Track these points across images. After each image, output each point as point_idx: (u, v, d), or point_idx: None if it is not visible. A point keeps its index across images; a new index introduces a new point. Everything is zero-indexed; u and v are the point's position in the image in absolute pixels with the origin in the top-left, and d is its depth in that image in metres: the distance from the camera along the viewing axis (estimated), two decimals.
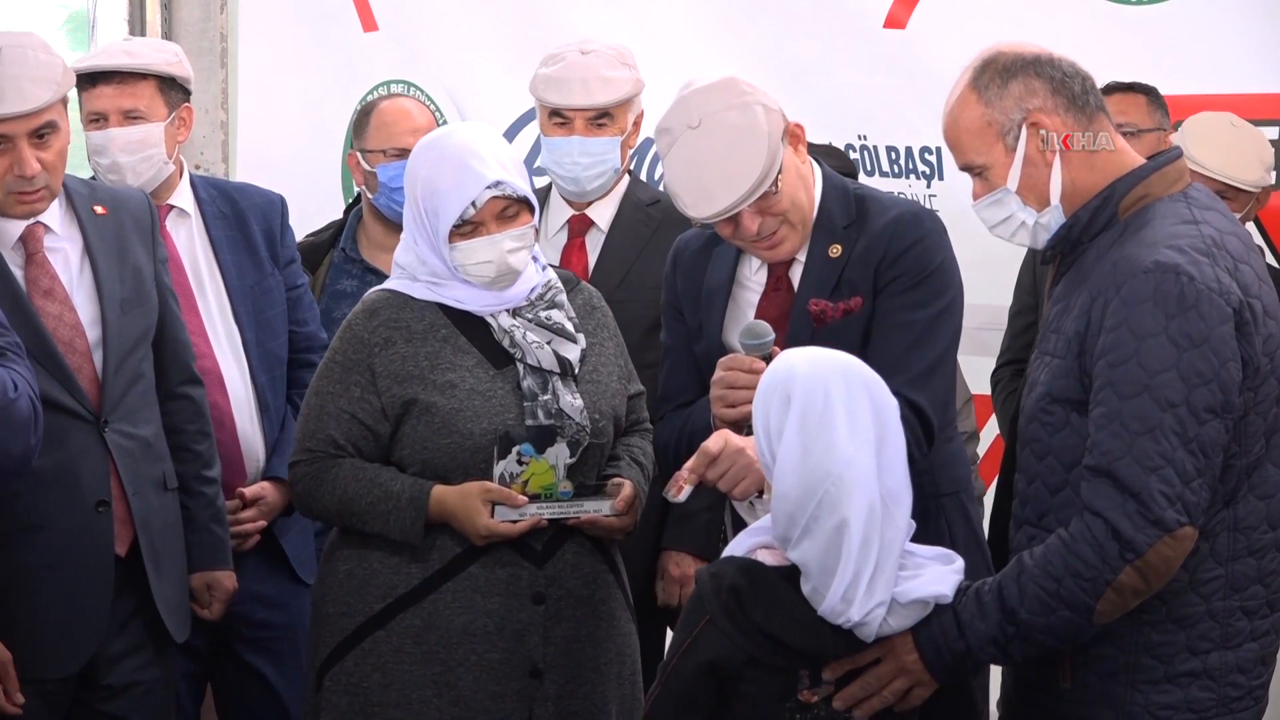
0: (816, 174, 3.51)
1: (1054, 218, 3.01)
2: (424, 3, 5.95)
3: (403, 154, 4.47)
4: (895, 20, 4.99)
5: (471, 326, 3.51)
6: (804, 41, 5.14)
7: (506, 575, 3.46)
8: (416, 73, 5.93)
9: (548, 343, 3.51)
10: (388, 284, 3.58)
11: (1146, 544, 2.78)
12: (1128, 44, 4.69)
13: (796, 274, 3.50)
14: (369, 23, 6.03)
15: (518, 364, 3.49)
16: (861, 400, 2.95)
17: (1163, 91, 4.56)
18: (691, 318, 3.63)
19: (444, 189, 3.44)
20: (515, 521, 3.42)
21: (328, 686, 3.50)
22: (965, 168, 3.06)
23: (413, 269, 3.54)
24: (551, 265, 3.67)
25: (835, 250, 3.45)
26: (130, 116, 4.17)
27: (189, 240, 4.24)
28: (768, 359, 3.24)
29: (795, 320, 3.44)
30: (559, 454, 3.44)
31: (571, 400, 3.49)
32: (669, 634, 3.44)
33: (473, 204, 3.43)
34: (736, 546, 3.04)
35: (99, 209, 3.78)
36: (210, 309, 4.20)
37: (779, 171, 3.38)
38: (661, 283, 3.79)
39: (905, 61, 4.93)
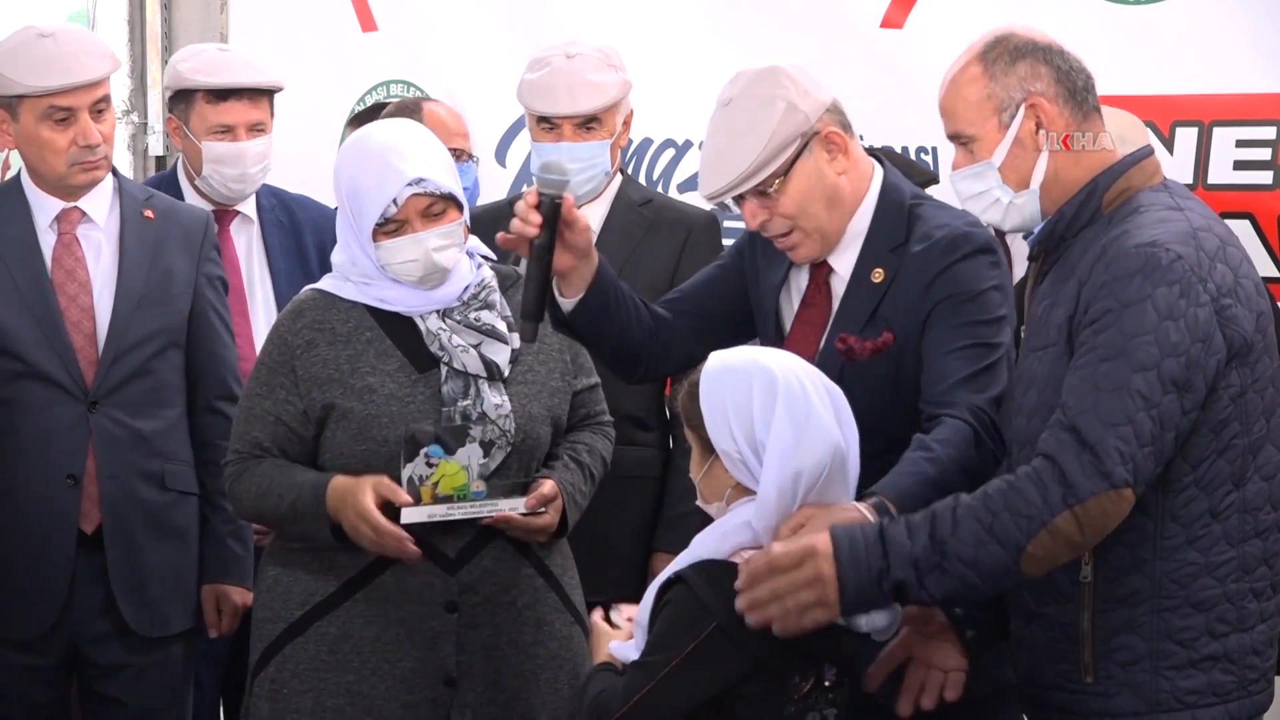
0: (873, 186, 3.43)
1: (1029, 202, 3.03)
2: (423, 3, 5.93)
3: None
4: (891, 20, 4.97)
5: (399, 329, 3.48)
6: (800, 41, 5.11)
7: (418, 584, 3.43)
8: (416, 73, 5.91)
9: (476, 345, 3.46)
10: (319, 284, 3.56)
11: (1090, 492, 2.78)
12: (1127, 44, 4.66)
13: (837, 286, 3.44)
14: (368, 23, 6.02)
15: (442, 367, 3.45)
16: (823, 389, 2.99)
17: (1162, 91, 4.54)
18: (751, 274, 3.57)
19: (365, 188, 3.42)
20: (422, 523, 3.36)
21: (254, 691, 3.51)
22: (953, 136, 3.08)
23: (344, 270, 3.51)
24: (494, 263, 3.63)
25: (878, 275, 3.38)
26: (255, 129, 4.40)
27: (247, 245, 4.43)
28: (552, 202, 3.24)
29: (825, 352, 3.39)
30: (471, 455, 3.40)
31: (496, 402, 3.44)
32: None
33: (394, 202, 3.39)
34: (711, 548, 2.98)
35: (148, 213, 3.95)
36: (257, 312, 4.37)
37: (781, 174, 3.32)
38: (657, 280, 3.76)
39: (902, 62, 4.91)
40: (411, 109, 4.56)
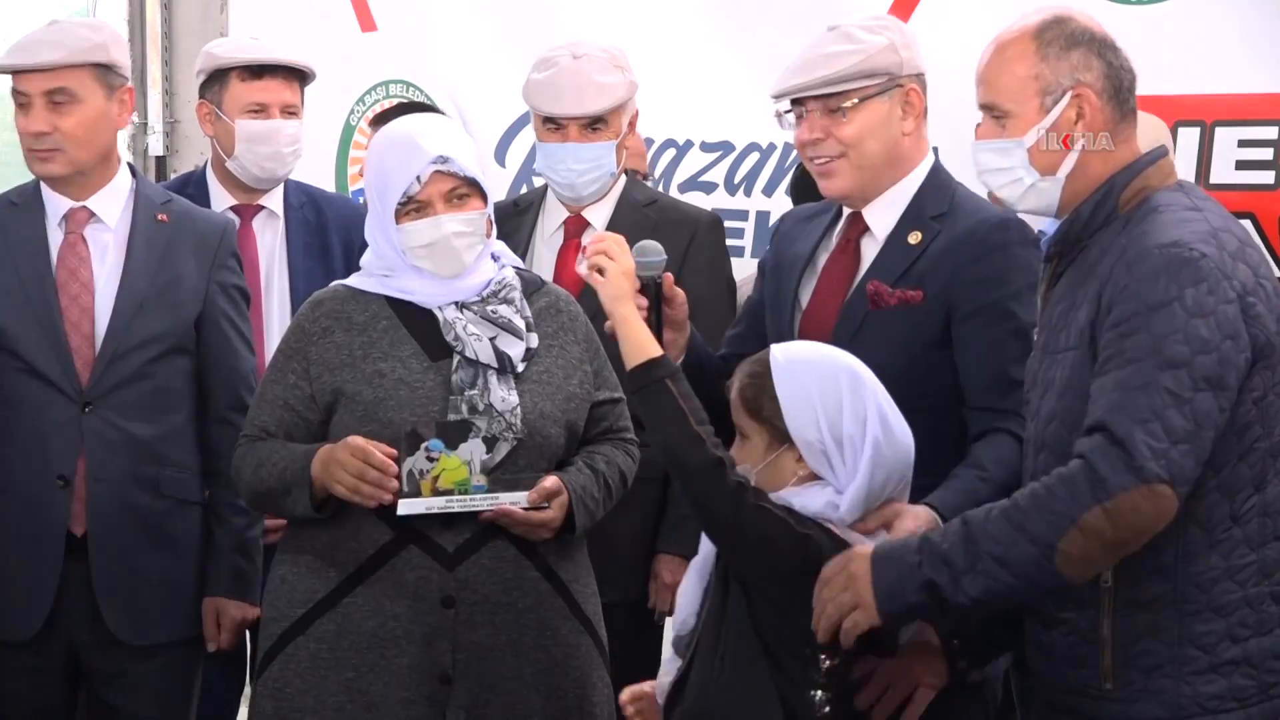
0: (927, 161, 3.51)
1: (1052, 187, 3.01)
2: (423, 3, 5.94)
3: None
4: None
5: (416, 319, 3.48)
6: (803, 40, 5.10)
7: (415, 579, 3.41)
8: (415, 73, 5.92)
9: (491, 338, 3.45)
10: (344, 280, 3.59)
11: (1120, 487, 2.76)
12: (1128, 44, 4.63)
13: (868, 247, 3.49)
14: (367, 23, 6.03)
15: (454, 357, 3.44)
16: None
17: (1162, 92, 4.53)
18: (768, 282, 3.64)
19: (390, 168, 3.44)
20: (420, 514, 3.35)
21: (258, 692, 3.50)
22: (987, 106, 3.05)
23: (370, 267, 3.53)
24: (521, 269, 3.63)
25: (915, 237, 3.44)
26: (288, 111, 4.39)
27: (270, 241, 4.41)
28: (654, 282, 3.32)
29: (854, 297, 3.44)
30: (474, 450, 3.38)
31: (504, 395, 3.42)
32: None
33: (417, 179, 3.40)
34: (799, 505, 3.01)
35: (161, 216, 3.92)
36: (272, 308, 4.36)
37: (857, 99, 3.41)
38: None
39: None
40: None
